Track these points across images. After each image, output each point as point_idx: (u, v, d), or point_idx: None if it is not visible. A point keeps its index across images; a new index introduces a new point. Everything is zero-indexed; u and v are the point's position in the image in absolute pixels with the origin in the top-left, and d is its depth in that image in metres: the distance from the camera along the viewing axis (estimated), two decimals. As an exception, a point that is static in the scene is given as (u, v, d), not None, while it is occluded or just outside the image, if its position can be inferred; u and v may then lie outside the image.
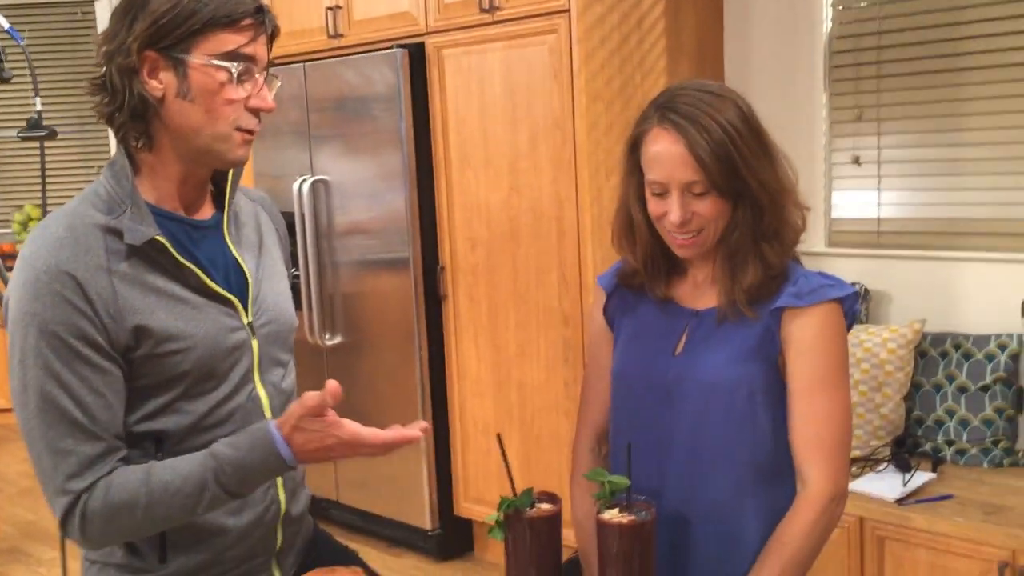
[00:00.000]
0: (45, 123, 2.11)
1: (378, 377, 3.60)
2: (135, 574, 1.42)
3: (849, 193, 3.24)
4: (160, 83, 1.32)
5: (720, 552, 1.49)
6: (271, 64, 1.40)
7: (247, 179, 3.74)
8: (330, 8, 3.58)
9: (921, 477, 2.73)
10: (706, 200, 1.43)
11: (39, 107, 2.16)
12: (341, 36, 3.59)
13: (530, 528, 1.35)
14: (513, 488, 1.38)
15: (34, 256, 1.29)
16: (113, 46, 1.32)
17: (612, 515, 1.33)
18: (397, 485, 3.60)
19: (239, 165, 1.42)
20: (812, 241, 3.28)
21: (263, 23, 1.34)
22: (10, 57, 2.23)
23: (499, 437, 1.42)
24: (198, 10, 1.28)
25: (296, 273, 3.71)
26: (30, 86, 2.25)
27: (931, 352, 2.93)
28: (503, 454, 1.42)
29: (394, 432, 1.32)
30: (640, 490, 1.46)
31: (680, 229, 1.45)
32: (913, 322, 2.93)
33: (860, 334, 2.95)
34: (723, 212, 1.45)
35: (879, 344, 2.91)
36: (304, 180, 3.63)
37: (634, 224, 1.54)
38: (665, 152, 1.42)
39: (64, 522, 1.31)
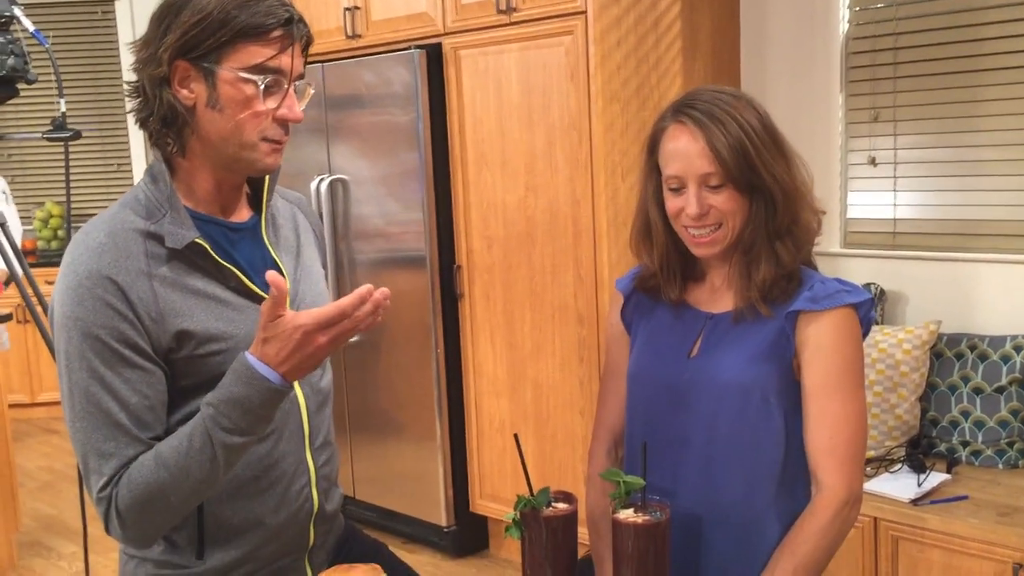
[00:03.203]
0: (74, 118, 2.14)
1: (395, 375, 3.63)
2: (172, 569, 1.44)
3: (865, 194, 3.24)
4: (191, 93, 1.34)
5: (735, 552, 1.50)
6: (303, 76, 1.41)
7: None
8: (348, 9, 3.61)
9: (936, 478, 2.74)
10: (722, 194, 1.46)
11: (63, 108, 2.19)
12: (359, 36, 3.62)
13: (546, 527, 1.37)
14: (530, 487, 1.40)
15: (76, 262, 1.32)
16: (146, 55, 1.35)
17: (627, 515, 1.35)
18: (413, 482, 3.63)
19: (269, 172, 1.44)
20: (828, 242, 3.28)
21: (293, 34, 1.35)
22: (34, 58, 2.26)
23: (516, 437, 1.45)
24: (227, 22, 1.30)
25: (314, 271, 3.74)
26: (51, 87, 2.28)
27: (947, 353, 2.93)
28: (520, 453, 1.44)
29: (352, 296, 1.24)
30: (655, 490, 1.47)
31: (697, 223, 1.47)
32: (928, 323, 2.93)
33: (875, 335, 2.96)
34: (740, 207, 1.47)
35: (894, 345, 2.91)
36: (322, 179, 3.66)
37: (651, 226, 1.57)
38: (683, 146, 1.46)
39: (107, 524, 1.33)
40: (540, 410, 3.31)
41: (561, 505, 1.40)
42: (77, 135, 2.13)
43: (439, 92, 3.39)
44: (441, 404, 3.51)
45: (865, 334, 1.51)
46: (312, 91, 1.44)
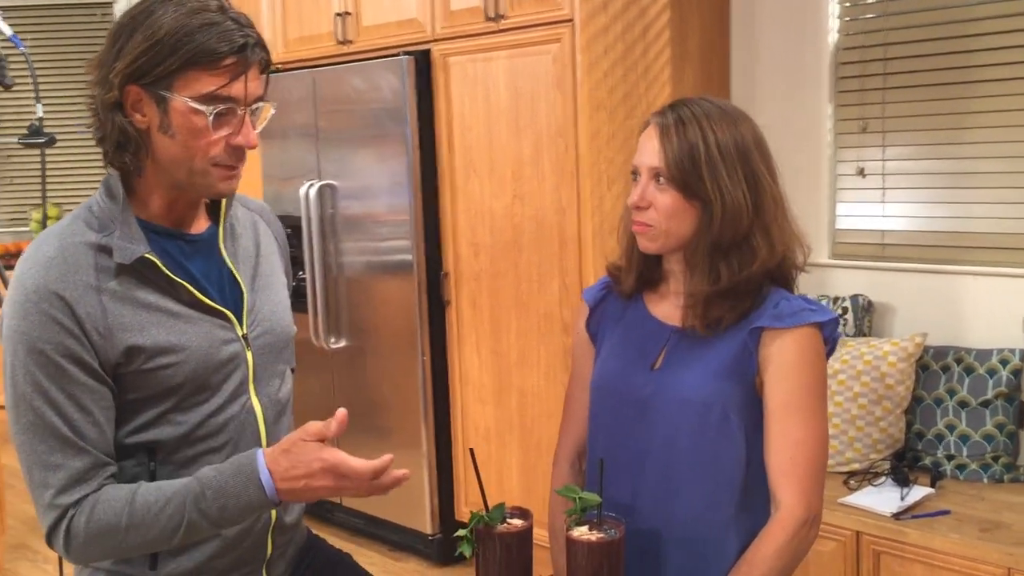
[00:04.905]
0: (56, 124, 2.15)
1: (382, 381, 3.62)
2: None
3: (853, 205, 3.23)
4: (144, 116, 1.33)
5: (693, 569, 1.49)
6: (265, 95, 1.38)
7: (256, 181, 3.78)
8: (339, 14, 3.61)
9: (919, 492, 2.72)
10: (666, 194, 1.48)
11: (40, 114, 2.19)
12: (350, 42, 3.61)
13: (500, 543, 1.36)
14: (485, 503, 1.39)
15: (25, 275, 1.31)
16: (98, 77, 1.33)
17: (581, 532, 1.34)
18: (399, 489, 3.56)
19: (224, 196, 1.42)
20: (815, 253, 3.25)
21: (247, 60, 1.31)
22: (38, 63, 2.25)
23: (472, 452, 1.44)
24: (178, 49, 1.27)
25: (303, 276, 3.73)
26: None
27: (933, 366, 2.92)
28: (476, 469, 1.43)
29: (381, 462, 1.30)
30: (614, 504, 1.47)
31: (637, 213, 1.51)
32: (915, 335, 2.91)
33: (861, 347, 2.94)
34: (680, 212, 1.48)
35: (880, 357, 2.90)
36: (311, 185, 3.66)
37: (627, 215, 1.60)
38: (646, 140, 1.51)
39: (50, 536, 1.33)
40: (525, 418, 3.30)
41: (516, 521, 1.39)
42: (51, 140, 2.13)
43: (428, 98, 3.38)
44: (427, 411, 3.50)
45: (830, 353, 1.50)
46: (273, 110, 1.42)
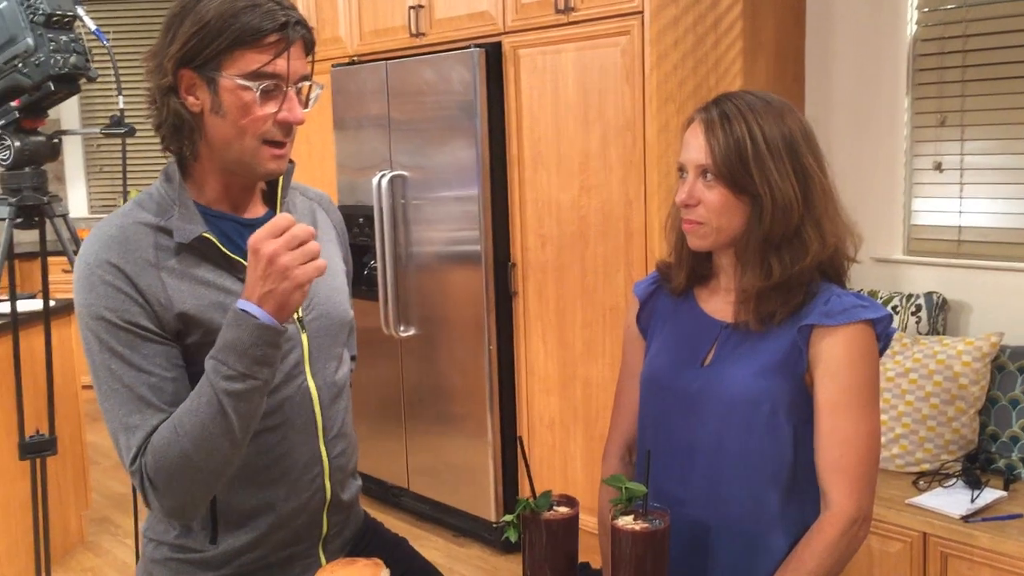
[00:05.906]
0: (138, 115, 2.22)
1: (450, 369, 3.67)
2: (187, 553, 1.49)
3: (930, 200, 3.16)
4: (197, 100, 1.39)
5: (741, 562, 1.49)
6: (310, 75, 1.43)
7: (330, 170, 3.86)
8: (413, 7, 3.66)
9: (991, 494, 2.65)
10: (715, 191, 1.47)
11: (121, 105, 2.28)
12: (423, 35, 3.66)
13: (546, 530, 1.38)
14: (533, 490, 1.41)
15: (87, 253, 1.39)
16: (153, 64, 1.40)
17: (626, 522, 1.35)
18: (465, 476, 3.67)
19: (273, 177, 1.47)
20: (890, 248, 3.21)
21: (288, 38, 1.37)
22: (121, 55, 2.33)
23: (520, 440, 1.46)
24: (224, 30, 1.34)
25: (374, 265, 3.80)
26: (121, 83, 2.37)
27: (1009, 366, 2.84)
28: (524, 457, 1.45)
29: (279, 216, 1.29)
30: (663, 497, 1.47)
31: (686, 211, 1.50)
32: (990, 335, 2.84)
33: (934, 346, 2.88)
34: (729, 208, 1.47)
35: (953, 356, 2.83)
36: (383, 175, 3.72)
37: (674, 212, 1.60)
38: (691, 137, 1.50)
39: (144, 495, 1.38)
40: (589, 409, 3.32)
41: (562, 509, 1.40)
42: (131, 131, 2.22)
43: (498, 90, 3.41)
44: (493, 400, 3.53)
45: (883, 350, 1.48)
46: (319, 90, 1.47)
